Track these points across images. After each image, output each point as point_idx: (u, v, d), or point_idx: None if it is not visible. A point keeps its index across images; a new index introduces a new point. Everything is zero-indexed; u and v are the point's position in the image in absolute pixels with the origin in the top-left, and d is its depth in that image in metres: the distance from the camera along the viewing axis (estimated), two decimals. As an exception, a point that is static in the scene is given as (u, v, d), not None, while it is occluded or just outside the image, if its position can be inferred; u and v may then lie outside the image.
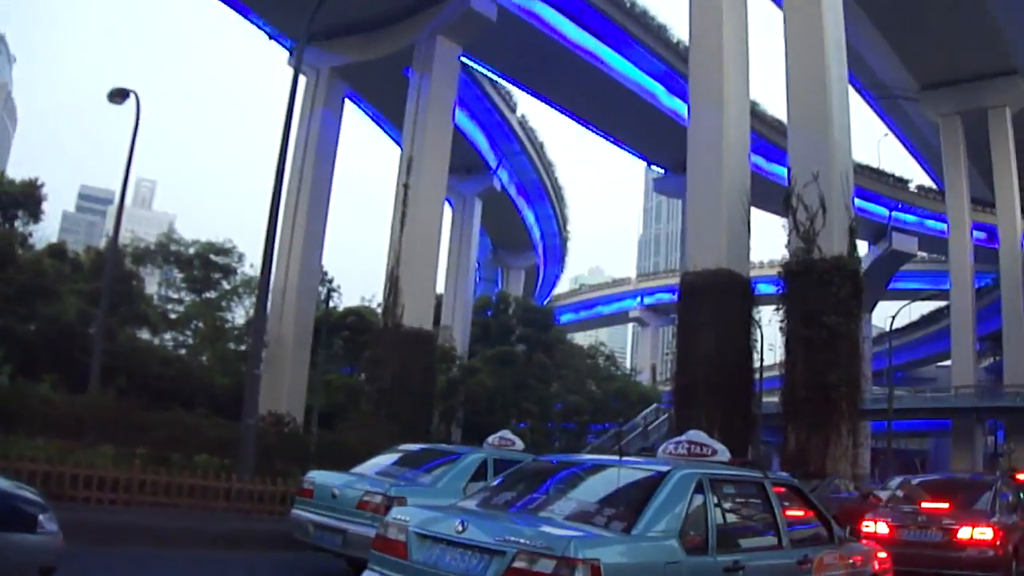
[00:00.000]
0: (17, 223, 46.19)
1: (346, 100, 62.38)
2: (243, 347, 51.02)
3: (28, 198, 45.68)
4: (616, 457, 8.86)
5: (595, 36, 60.58)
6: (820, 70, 38.57)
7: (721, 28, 41.24)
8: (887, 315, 73.02)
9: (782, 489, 9.42)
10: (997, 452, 76.03)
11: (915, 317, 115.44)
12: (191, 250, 54.24)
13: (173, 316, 54.25)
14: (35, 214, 46.60)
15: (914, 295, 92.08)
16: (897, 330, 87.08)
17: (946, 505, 17.54)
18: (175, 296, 56.00)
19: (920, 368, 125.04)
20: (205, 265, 53.66)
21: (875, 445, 66.64)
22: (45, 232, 58.00)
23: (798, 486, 10.11)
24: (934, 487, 20.69)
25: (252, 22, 58.96)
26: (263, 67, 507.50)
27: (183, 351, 53.54)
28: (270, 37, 60.05)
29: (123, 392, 32.77)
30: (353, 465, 15.11)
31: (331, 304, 61.19)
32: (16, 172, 55.22)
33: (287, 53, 60.38)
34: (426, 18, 54.40)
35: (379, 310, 53.63)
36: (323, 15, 24.11)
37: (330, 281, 61.94)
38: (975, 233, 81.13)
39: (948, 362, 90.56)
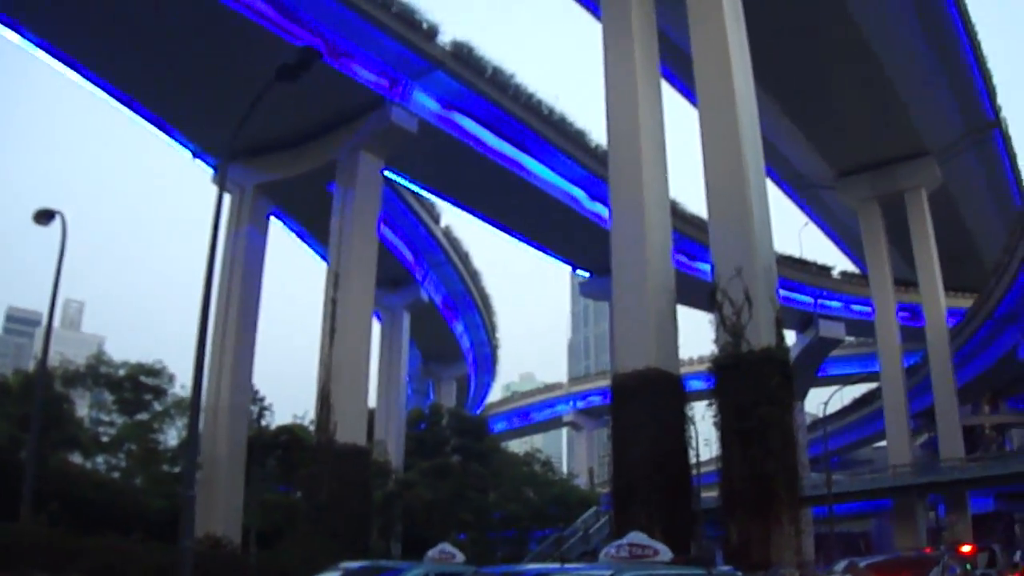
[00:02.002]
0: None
1: (271, 217, 62.36)
2: (177, 469, 50.42)
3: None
4: (558, 564, 8.96)
5: (515, 144, 61.22)
6: (738, 165, 38.99)
7: (638, 131, 41.79)
8: (820, 401, 73.49)
9: (727, 583, 9.54)
10: (940, 526, 76.55)
11: (848, 401, 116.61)
12: (121, 372, 53.51)
13: (105, 439, 53.37)
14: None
15: (845, 380, 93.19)
16: (831, 415, 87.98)
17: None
18: (106, 419, 55.05)
19: (857, 451, 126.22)
20: (136, 387, 52.99)
21: (818, 531, 66.69)
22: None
23: (742, 578, 10.25)
24: (883, 567, 20.85)
25: (176, 140, 58.85)
26: (189, 185, 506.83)
27: (116, 474, 52.74)
28: (194, 155, 59.91)
29: (56, 518, 32.31)
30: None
31: (264, 422, 60.73)
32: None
33: (212, 171, 60.31)
34: (348, 133, 54.85)
35: (312, 427, 53.25)
36: (246, 132, 24.21)
37: (262, 399, 61.53)
38: (900, 313, 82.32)
39: (884, 443, 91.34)
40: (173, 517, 28.08)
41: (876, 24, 59.21)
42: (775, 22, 54.56)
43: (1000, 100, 71.08)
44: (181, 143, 59.35)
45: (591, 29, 54.50)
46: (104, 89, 53.32)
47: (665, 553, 9.18)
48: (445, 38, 52.89)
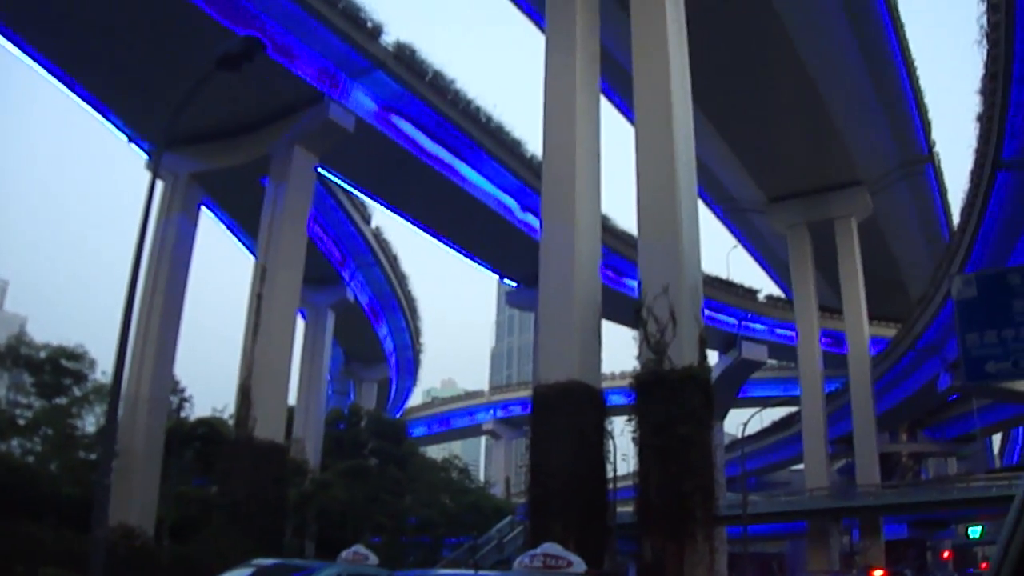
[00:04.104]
0: None
1: (203, 207, 61.74)
2: (93, 456, 49.75)
3: None
4: (471, 571, 8.92)
5: (450, 150, 61.19)
6: (670, 185, 39.11)
7: (575, 144, 41.84)
8: (739, 422, 74.08)
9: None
10: (853, 551, 77.35)
11: (767, 423, 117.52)
12: (42, 354, 52.79)
13: (21, 422, 52.76)
14: None
15: (765, 402, 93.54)
16: (750, 437, 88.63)
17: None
18: (24, 401, 54.45)
19: (774, 473, 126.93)
20: (56, 370, 52.20)
21: (732, 550, 67.13)
22: None
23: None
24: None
25: (113, 123, 58.17)
26: (121, 169, 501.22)
27: (31, 459, 52.07)
28: (130, 140, 59.21)
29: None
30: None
31: (183, 414, 60.22)
32: None
33: (146, 157, 59.64)
34: (284, 127, 54.49)
35: (231, 421, 52.84)
36: (183, 120, 24.02)
37: (182, 391, 61.06)
38: (823, 339, 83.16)
39: (801, 466, 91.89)
40: (87, 505, 27.69)
41: (816, 53, 59.87)
42: (717, 46, 55.05)
43: (935, 135, 72.14)
44: (117, 126, 58.59)
45: (535, 40, 54.62)
46: (42, 65, 52.49)
47: (579, 565, 9.18)
48: (389, 38, 52.80)
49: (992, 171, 49.12)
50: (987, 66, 44.07)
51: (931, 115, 70.09)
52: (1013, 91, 42.56)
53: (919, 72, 65.23)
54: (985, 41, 42.78)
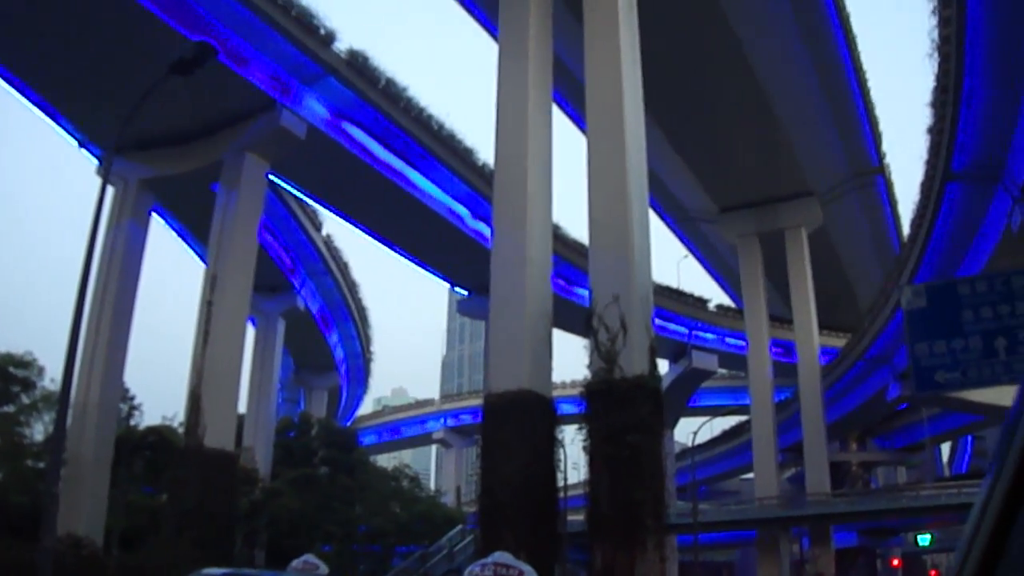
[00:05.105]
0: None
1: (153, 214, 61.30)
2: (42, 465, 49.30)
3: None
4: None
5: (402, 158, 61.03)
6: (622, 194, 39.19)
7: (526, 152, 41.82)
8: (690, 431, 74.18)
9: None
10: (803, 559, 77.69)
11: (717, 432, 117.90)
12: (-11, 361, 52.39)
13: (-32, 430, 52.24)
14: None
15: (715, 411, 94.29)
16: (700, 445, 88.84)
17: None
18: (-31, 408, 53.88)
19: (724, 481, 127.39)
20: (3, 378, 51.60)
21: (683, 559, 67.37)
22: None
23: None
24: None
25: (63, 128, 57.58)
26: (72, 175, 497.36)
27: (-23, 468, 51.53)
28: (80, 145, 58.61)
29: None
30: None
31: (133, 422, 59.81)
32: None
33: (96, 162, 59.11)
34: (235, 134, 54.23)
35: (181, 430, 52.50)
36: (134, 125, 23.93)
37: (132, 398, 60.63)
38: (774, 349, 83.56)
39: (751, 475, 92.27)
40: (34, 514, 27.45)
41: (768, 64, 60.24)
42: (669, 56, 55.27)
43: (886, 147, 72.75)
44: (68, 131, 58.11)
45: (488, 49, 54.70)
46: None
47: (530, 574, 9.06)
48: (342, 45, 52.75)
49: (942, 183, 49.52)
50: (938, 79, 44.42)
51: (882, 127, 70.99)
52: (963, 104, 42.93)
53: (871, 84, 65.87)
54: (936, 54, 43.13)
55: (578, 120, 59.84)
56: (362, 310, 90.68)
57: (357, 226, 71.04)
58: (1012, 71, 39.70)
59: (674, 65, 57.35)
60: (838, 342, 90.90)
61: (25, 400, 52.19)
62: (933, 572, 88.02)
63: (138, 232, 57.74)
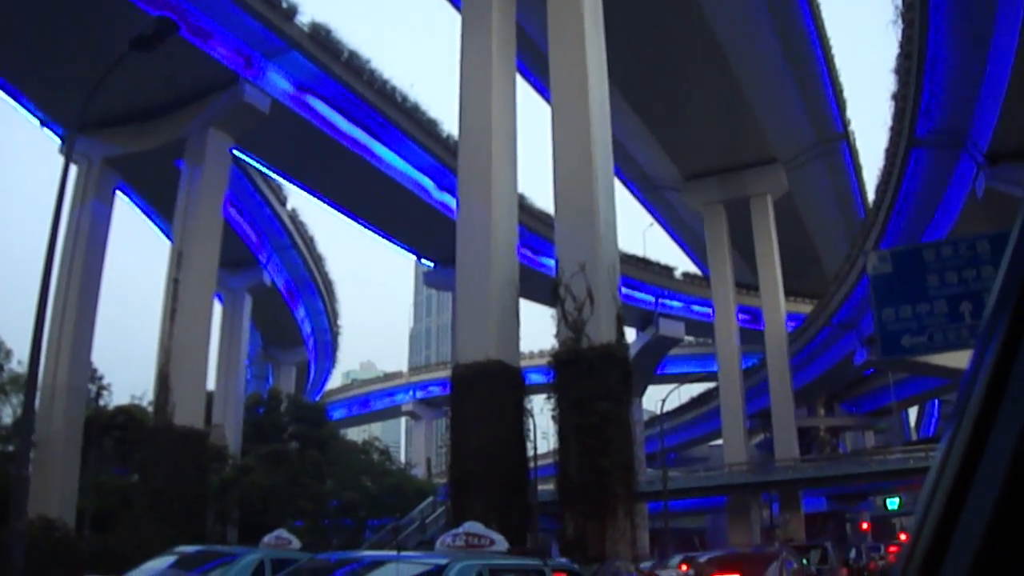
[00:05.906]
0: None
1: (118, 192, 60.91)
2: (11, 447, 49.04)
3: None
4: (394, 552, 8.84)
5: (366, 130, 60.84)
6: (586, 163, 39.37)
7: (491, 123, 41.94)
8: (658, 399, 74.41)
9: (562, 574, 9.50)
10: (773, 524, 78.11)
11: (685, 400, 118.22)
12: (-44, 344, 52.12)
13: (-65, 414, 51.95)
14: None
15: (683, 378, 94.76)
16: (668, 413, 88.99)
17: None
18: (-62, 392, 53.51)
19: (693, 448, 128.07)
20: (-29, 362, 51.63)
21: (653, 526, 67.55)
22: None
23: (578, 570, 10.25)
24: (722, 562, 21.25)
25: (24, 107, 57.13)
26: (35, 154, 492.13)
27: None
28: (42, 124, 58.13)
29: None
30: (128, 569, 14.70)
31: (102, 402, 59.59)
32: None
33: (59, 141, 58.59)
34: (199, 109, 53.91)
35: (151, 409, 52.34)
36: (96, 103, 23.70)
37: (100, 378, 60.39)
38: (740, 316, 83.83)
39: (720, 441, 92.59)
40: (5, 498, 27.28)
41: (731, 31, 60.22)
42: (632, 24, 55.12)
43: (850, 113, 72.98)
44: (29, 110, 57.59)
45: (451, 19, 54.42)
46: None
47: (501, 543, 9.13)
48: (304, 19, 52.47)
49: (907, 149, 49.72)
50: (902, 46, 44.52)
51: (846, 93, 71.05)
52: (927, 70, 43.05)
53: (835, 50, 66.04)
54: (900, 21, 43.22)
55: (542, 90, 59.72)
56: (329, 284, 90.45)
57: (323, 200, 70.92)
58: (976, 38, 39.83)
59: (638, 34, 57.28)
60: (805, 308, 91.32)
61: (-8, 383, 51.94)
62: (902, 535, 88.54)
63: (103, 211, 57.27)
